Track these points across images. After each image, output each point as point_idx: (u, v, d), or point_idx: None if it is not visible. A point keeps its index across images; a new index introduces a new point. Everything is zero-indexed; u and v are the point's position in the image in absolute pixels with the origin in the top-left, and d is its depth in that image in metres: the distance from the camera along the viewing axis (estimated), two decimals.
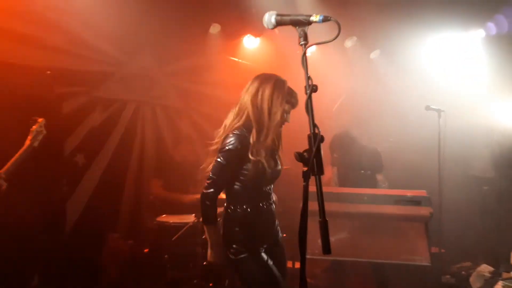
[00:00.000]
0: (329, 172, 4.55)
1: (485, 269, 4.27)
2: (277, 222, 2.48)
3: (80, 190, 4.46)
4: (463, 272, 4.60)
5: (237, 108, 2.35)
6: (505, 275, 3.54)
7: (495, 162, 5.08)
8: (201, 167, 2.43)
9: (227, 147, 2.25)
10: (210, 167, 2.31)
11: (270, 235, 2.41)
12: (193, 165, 4.81)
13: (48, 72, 4.10)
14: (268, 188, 2.40)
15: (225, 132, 2.31)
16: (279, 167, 2.41)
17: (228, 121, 2.36)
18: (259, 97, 2.29)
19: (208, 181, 2.27)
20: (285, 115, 2.32)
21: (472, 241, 4.98)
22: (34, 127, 3.00)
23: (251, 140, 2.26)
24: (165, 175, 4.41)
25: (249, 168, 2.26)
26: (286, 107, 2.32)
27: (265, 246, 2.36)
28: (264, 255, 2.31)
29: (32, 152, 2.95)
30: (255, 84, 2.33)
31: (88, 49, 4.50)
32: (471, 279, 4.25)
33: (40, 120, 3.02)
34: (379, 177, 4.49)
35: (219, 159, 2.27)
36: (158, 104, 5.23)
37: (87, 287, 3.89)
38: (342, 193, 3.63)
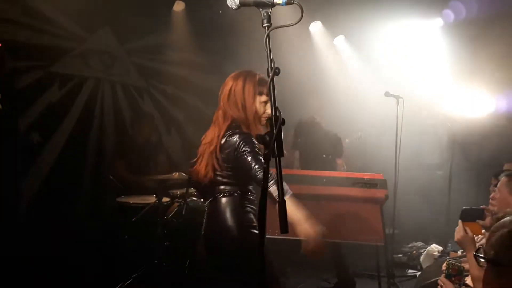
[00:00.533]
0: (292, 156, 4.65)
1: (434, 248, 4.51)
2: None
3: (35, 169, 4.31)
4: (414, 252, 4.84)
5: (221, 112, 2.34)
6: (452, 254, 3.74)
7: (448, 149, 5.32)
8: (192, 163, 2.39)
9: (246, 139, 2.22)
10: (253, 165, 2.17)
11: None
12: (155, 145, 4.78)
13: (0, 44, 3.89)
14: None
15: (221, 134, 2.28)
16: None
17: (218, 124, 2.33)
18: (232, 94, 2.30)
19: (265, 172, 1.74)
20: (264, 105, 2.31)
21: (424, 222, 5.25)
22: None
23: None
24: (128, 156, 4.34)
25: None
26: (262, 98, 2.30)
27: None
28: None
29: None
30: (228, 84, 2.34)
31: (45, 22, 4.30)
32: (421, 258, 4.47)
33: None
34: (339, 161, 4.66)
35: (249, 150, 2.19)
36: (119, 81, 5.09)
37: (43, 269, 3.80)
38: (302, 175, 3.70)
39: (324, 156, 4.59)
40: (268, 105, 2.29)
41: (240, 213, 2.29)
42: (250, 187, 2.35)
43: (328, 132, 4.62)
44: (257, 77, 2.32)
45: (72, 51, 4.61)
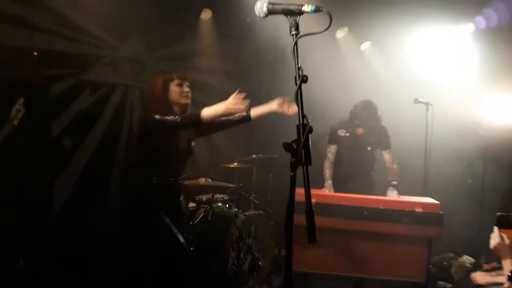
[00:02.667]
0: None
1: (467, 260, 4.37)
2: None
3: (67, 173, 4.43)
4: (444, 263, 4.70)
5: None
6: (485, 266, 3.61)
7: (480, 156, 5.17)
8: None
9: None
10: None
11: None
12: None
13: (35, 53, 4.03)
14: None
15: None
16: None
17: None
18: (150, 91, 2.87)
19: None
20: (179, 87, 2.79)
21: (455, 232, 5.09)
22: (19, 114, 3.07)
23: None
24: None
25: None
26: (175, 82, 2.79)
27: None
28: None
29: (13, 131, 3.01)
30: None
31: (77, 31, 4.43)
32: (453, 270, 4.34)
33: (19, 99, 3.09)
34: (387, 156, 4.19)
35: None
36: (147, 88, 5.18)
37: (73, 272, 3.89)
38: (338, 206, 3.23)
39: (369, 149, 4.21)
40: (185, 85, 2.81)
41: None
42: None
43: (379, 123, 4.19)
44: (165, 70, 3.05)
45: (103, 59, 4.74)
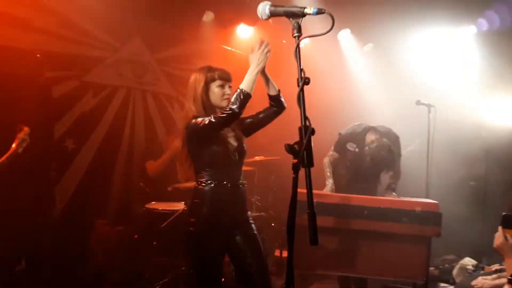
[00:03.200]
0: None
1: (468, 262, 4.36)
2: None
3: (69, 175, 4.44)
4: (446, 265, 4.69)
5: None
6: (487, 268, 3.61)
7: (482, 158, 5.16)
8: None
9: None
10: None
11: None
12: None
13: (38, 55, 4.05)
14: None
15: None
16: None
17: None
18: (188, 90, 2.57)
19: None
20: (221, 89, 2.50)
21: (457, 234, 5.08)
22: (19, 134, 3.13)
23: None
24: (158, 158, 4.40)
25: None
26: (217, 83, 2.51)
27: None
28: None
29: (17, 158, 3.09)
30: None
31: (79, 33, 4.45)
32: (454, 272, 4.33)
33: (25, 128, 3.15)
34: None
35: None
36: (149, 90, 5.20)
37: (75, 273, 3.90)
38: (338, 205, 3.26)
39: (376, 172, 3.92)
40: (227, 86, 2.53)
41: None
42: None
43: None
44: (207, 67, 2.58)
45: (105, 61, 4.75)
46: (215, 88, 2.51)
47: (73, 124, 4.43)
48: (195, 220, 2.42)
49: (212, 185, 2.42)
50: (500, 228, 2.31)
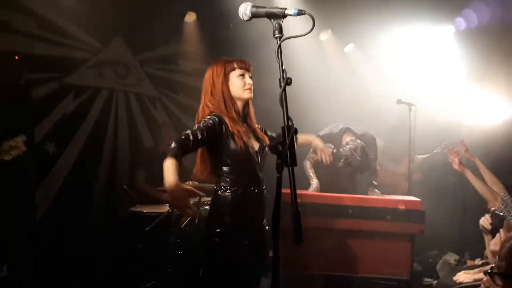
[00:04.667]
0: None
1: (451, 257, 4.44)
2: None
3: (50, 179, 4.37)
4: (430, 260, 4.77)
5: (200, 107, 2.45)
6: (469, 262, 3.68)
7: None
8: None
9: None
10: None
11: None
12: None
13: (16, 57, 3.98)
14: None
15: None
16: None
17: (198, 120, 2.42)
18: (205, 85, 2.43)
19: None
20: (241, 79, 2.37)
21: (439, 230, 5.16)
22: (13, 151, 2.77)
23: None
24: (148, 168, 4.32)
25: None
26: (236, 72, 2.38)
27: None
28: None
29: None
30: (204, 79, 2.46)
31: (59, 34, 4.38)
32: (438, 267, 4.40)
33: (18, 136, 2.82)
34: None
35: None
36: (132, 91, 5.15)
37: (58, 277, 3.84)
38: (322, 204, 3.30)
39: (354, 173, 3.93)
40: (247, 76, 2.39)
41: None
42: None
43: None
44: (224, 59, 2.44)
45: (86, 62, 4.69)
46: (234, 79, 2.37)
47: (54, 127, 4.36)
48: (220, 231, 2.31)
49: (234, 190, 2.31)
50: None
